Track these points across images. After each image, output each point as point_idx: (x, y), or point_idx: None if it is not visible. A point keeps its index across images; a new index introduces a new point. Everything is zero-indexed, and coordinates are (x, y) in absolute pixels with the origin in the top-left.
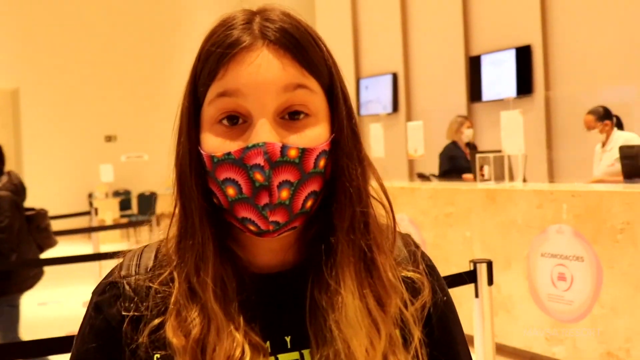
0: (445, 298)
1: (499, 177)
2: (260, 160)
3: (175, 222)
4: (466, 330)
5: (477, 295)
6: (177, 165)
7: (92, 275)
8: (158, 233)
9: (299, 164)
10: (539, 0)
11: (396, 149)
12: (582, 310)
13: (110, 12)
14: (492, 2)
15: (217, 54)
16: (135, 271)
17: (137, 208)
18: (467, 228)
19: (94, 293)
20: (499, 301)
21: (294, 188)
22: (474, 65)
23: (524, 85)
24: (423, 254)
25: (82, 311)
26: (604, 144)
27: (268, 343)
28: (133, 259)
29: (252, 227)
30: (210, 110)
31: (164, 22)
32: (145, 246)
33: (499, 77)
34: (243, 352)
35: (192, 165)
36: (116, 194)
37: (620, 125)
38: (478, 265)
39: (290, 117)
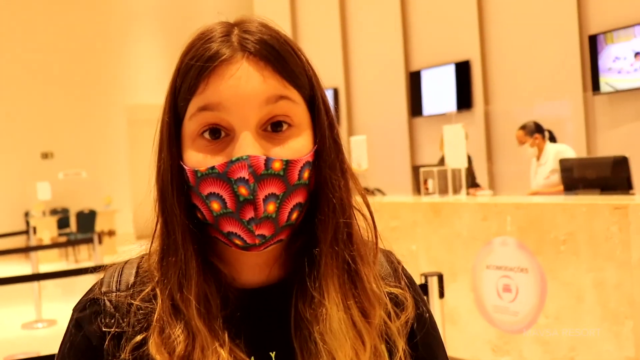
0: (427, 315)
1: (443, 191)
2: (244, 174)
3: (157, 238)
4: None
5: None
6: (158, 181)
7: (31, 295)
8: (139, 249)
9: (283, 176)
10: (477, 16)
11: None
12: (528, 320)
13: (48, 26)
14: (432, 19)
15: (196, 67)
16: (116, 287)
17: (75, 226)
18: (412, 241)
19: (74, 310)
20: (446, 313)
21: (280, 201)
22: (414, 80)
23: (464, 99)
24: (404, 269)
25: (21, 333)
26: (538, 158)
27: (252, 359)
28: (114, 275)
29: (238, 242)
30: (192, 124)
31: (103, 38)
32: (127, 262)
33: (439, 92)
34: None
35: (173, 181)
36: (54, 212)
37: (553, 139)
38: (429, 278)
39: (273, 128)
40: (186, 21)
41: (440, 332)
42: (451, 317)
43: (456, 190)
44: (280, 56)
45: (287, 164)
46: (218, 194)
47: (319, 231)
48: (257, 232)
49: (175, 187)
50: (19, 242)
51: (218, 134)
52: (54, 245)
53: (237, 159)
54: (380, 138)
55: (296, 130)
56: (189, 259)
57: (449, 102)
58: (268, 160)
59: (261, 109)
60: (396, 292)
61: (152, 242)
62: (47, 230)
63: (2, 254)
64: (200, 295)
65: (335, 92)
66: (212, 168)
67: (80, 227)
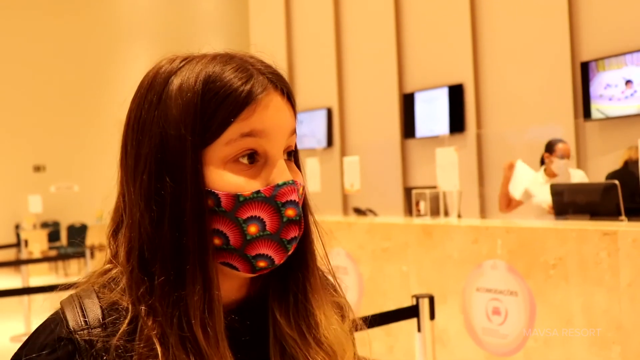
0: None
1: (435, 213)
2: (294, 197)
3: (126, 268)
4: None
5: (419, 330)
6: (169, 209)
7: (21, 309)
8: (82, 275)
9: (302, 199)
10: (471, 40)
11: (330, 183)
12: (517, 344)
13: (40, 41)
14: (426, 41)
15: (240, 94)
16: (86, 323)
17: (66, 240)
18: (403, 262)
19: (38, 354)
20: (435, 335)
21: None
22: (407, 102)
23: (457, 122)
24: (334, 279)
25: (9, 346)
26: (551, 176)
27: None
28: (75, 311)
29: (262, 264)
30: (228, 149)
31: (96, 51)
32: (78, 294)
33: (431, 115)
34: None
35: (202, 207)
36: (45, 225)
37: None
38: (420, 300)
39: (286, 156)
40: (182, 35)
41: (429, 353)
42: (441, 339)
43: (447, 213)
44: (290, 91)
45: (303, 188)
46: (259, 217)
47: (307, 251)
48: (289, 251)
49: (205, 213)
50: (8, 255)
51: (253, 159)
52: (45, 259)
53: (285, 183)
54: (373, 159)
55: (293, 160)
56: (214, 286)
57: (442, 124)
58: (300, 186)
59: (287, 139)
60: (339, 301)
61: (108, 272)
62: (37, 244)
63: None
64: (222, 328)
65: (329, 112)
66: (258, 192)
67: (71, 241)
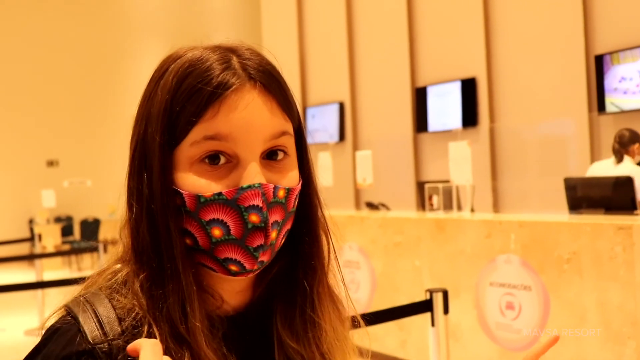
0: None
1: (448, 207)
2: (258, 202)
3: (134, 264)
4: (421, 357)
5: (433, 324)
6: (147, 205)
7: (35, 303)
8: (95, 269)
9: (284, 204)
10: (484, 34)
11: (342, 178)
12: (530, 339)
13: (53, 36)
14: (438, 35)
15: (204, 92)
16: (104, 335)
17: (79, 234)
18: (416, 257)
19: None
20: (448, 330)
21: (279, 228)
22: (420, 97)
23: (469, 116)
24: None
25: (24, 340)
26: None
27: None
28: (90, 319)
29: (234, 268)
30: (192, 150)
31: (110, 47)
32: (88, 299)
33: (444, 109)
34: None
35: (170, 206)
36: (58, 219)
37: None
38: (434, 294)
39: (269, 156)
40: (194, 32)
41: (443, 348)
42: (454, 334)
43: (460, 207)
44: (281, 88)
45: (288, 192)
46: (222, 220)
47: (311, 255)
48: (259, 259)
49: (173, 212)
50: (22, 249)
51: (218, 160)
52: (58, 253)
53: (249, 187)
54: (386, 153)
55: (290, 160)
56: (190, 285)
57: (455, 118)
58: (275, 189)
59: (266, 142)
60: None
61: (118, 272)
62: (51, 238)
63: (6, 261)
64: (204, 322)
65: (341, 107)
66: (219, 194)
67: (84, 236)
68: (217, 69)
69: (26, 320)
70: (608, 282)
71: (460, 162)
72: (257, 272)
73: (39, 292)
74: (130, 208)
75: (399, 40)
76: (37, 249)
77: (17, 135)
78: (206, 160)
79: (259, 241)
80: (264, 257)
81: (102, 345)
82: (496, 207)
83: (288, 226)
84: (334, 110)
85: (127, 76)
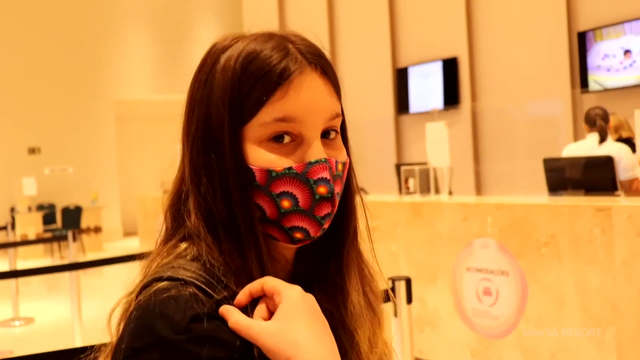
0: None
1: (425, 190)
2: (326, 174)
3: (207, 241)
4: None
5: (395, 314)
6: (219, 182)
7: (8, 293)
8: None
9: (341, 177)
10: (465, 12)
11: None
12: (508, 325)
13: (35, 21)
14: (419, 15)
15: (271, 75)
16: (208, 295)
17: (61, 222)
18: (392, 242)
19: (182, 327)
20: (425, 316)
21: (339, 198)
22: (401, 77)
23: (451, 96)
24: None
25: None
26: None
27: None
28: (191, 284)
29: (298, 235)
30: (261, 130)
31: (91, 32)
32: (171, 290)
33: (426, 89)
34: None
35: (244, 181)
36: (40, 207)
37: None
38: (397, 282)
39: (323, 135)
40: (176, 18)
41: (408, 340)
42: (430, 320)
43: (438, 190)
44: (333, 73)
45: (344, 165)
46: (291, 192)
47: (345, 228)
48: (324, 226)
49: (247, 187)
50: (2, 238)
51: (282, 138)
52: (30, 242)
53: (317, 161)
54: (367, 135)
55: (339, 138)
56: (265, 252)
57: (436, 99)
58: (336, 163)
59: (326, 123)
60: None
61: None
62: (32, 226)
63: None
64: None
65: None
66: (290, 168)
67: (66, 223)
68: (278, 55)
69: (0, 310)
70: (587, 266)
71: (437, 143)
72: (317, 238)
73: (12, 282)
74: (197, 186)
75: (380, 21)
76: (12, 238)
77: None
78: (273, 139)
79: (326, 210)
80: (327, 224)
81: (212, 305)
82: (479, 189)
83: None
84: None
85: (109, 63)
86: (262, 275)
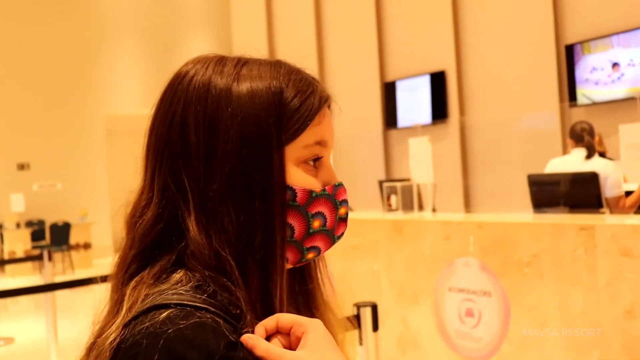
0: None
1: (408, 207)
2: (345, 196)
3: (220, 264)
4: None
5: (361, 343)
6: (262, 199)
7: None
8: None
9: None
10: (452, 26)
11: None
12: (491, 347)
13: (25, 35)
14: (407, 29)
15: (314, 100)
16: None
17: (50, 239)
18: (374, 261)
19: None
20: (407, 338)
21: None
22: (389, 91)
23: (439, 110)
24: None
25: None
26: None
27: None
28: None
29: (310, 255)
30: (304, 151)
31: (81, 47)
32: (188, 318)
33: (414, 103)
34: None
35: (285, 199)
36: (29, 224)
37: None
38: (362, 309)
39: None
40: (166, 33)
41: None
42: (413, 342)
43: (422, 207)
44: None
45: None
46: (323, 213)
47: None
48: (334, 244)
49: (285, 207)
50: None
51: (317, 161)
52: (15, 260)
53: (340, 184)
54: (354, 150)
55: None
56: (285, 286)
57: (424, 113)
58: None
59: None
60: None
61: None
62: (20, 243)
63: None
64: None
65: None
66: (324, 190)
67: (54, 240)
68: (307, 83)
69: None
70: (570, 287)
71: (421, 159)
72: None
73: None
74: (224, 207)
75: (368, 34)
76: None
77: None
78: (310, 162)
79: (342, 230)
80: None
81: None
82: (467, 205)
83: None
84: None
85: (99, 78)
86: (281, 310)
